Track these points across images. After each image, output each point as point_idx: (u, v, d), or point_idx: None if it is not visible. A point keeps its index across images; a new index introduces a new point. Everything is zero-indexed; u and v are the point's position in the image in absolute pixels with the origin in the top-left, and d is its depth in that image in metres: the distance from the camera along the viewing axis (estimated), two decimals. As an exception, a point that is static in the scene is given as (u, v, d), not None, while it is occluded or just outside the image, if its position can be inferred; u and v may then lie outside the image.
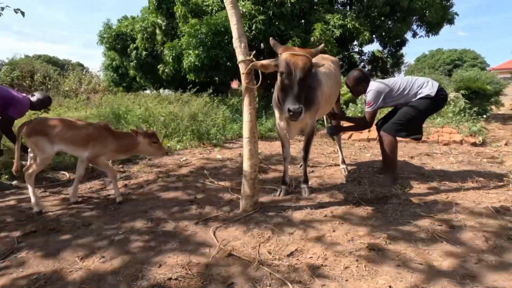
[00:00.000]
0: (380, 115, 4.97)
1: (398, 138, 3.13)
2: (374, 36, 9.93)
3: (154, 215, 2.51)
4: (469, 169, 3.75)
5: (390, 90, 3.04)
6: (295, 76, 2.19)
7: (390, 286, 1.55)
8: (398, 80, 3.11)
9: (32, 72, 11.74)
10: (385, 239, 2.02)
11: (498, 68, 25.60)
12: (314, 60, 2.37)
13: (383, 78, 12.44)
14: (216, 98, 8.86)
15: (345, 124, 3.56)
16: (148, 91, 14.57)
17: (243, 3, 7.98)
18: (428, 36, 10.48)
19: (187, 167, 4.09)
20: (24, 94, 3.38)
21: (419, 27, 10.47)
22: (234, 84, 17.03)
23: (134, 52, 13.12)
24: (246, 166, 2.49)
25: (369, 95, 3.06)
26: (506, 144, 5.24)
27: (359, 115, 7.13)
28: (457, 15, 10.01)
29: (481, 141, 5.29)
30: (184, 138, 5.63)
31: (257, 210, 2.53)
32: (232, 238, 2.10)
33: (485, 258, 1.79)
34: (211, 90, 9.04)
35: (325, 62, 3.08)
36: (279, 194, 2.94)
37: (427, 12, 8.94)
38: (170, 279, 1.64)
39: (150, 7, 11.56)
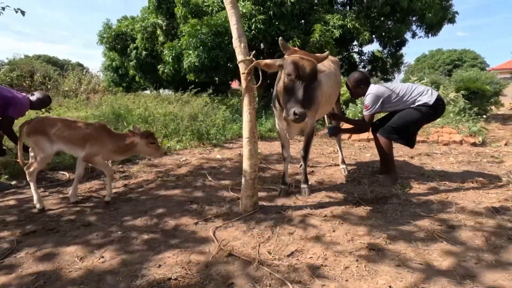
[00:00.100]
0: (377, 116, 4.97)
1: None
2: (374, 36, 9.94)
3: (153, 215, 2.51)
4: (469, 169, 3.75)
5: (389, 96, 3.04)
6: (302, 80, 2.20)
7: (390, 286, 1.55)
8: (398, 86, 3.11)
9: (32, 72, 11.73)
10: (385, 239, 2.02)
11: (497, 68, 25.61)
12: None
13: (383, 78, 12.47)
14: (216, 98, 8.86)
15: (344, 125, 3.56)
16: (148, 91, 14.56)
17: (243, 4, 7.98)
18: (428, 37, 10.49)
19: (186, 167, 4.09)
20: (24, 94, 3.38)
21: (419, 27, 10.49)
22: (234, 84, 17.03)
23: (134, 52, 13.10)
24: (246, 166, 2.48)
25: (368, 98, 3.06)
26: (506, 144, 5.24)
27: (359, 115, 7.13)
28: (457, 14, 10.01)
29: (481, 141, 5.30)
30: (183, 138, 5.63)
31: (257, 210, 2.53)
32: (232, 238, 2.10)
33: (484, 258, 1.79)
34: (211, 90, 9.03)
35: (325, 62, 3.08)
36: (279, 194, 2.94)
37: (427, 13, 8.95)
38: (169, 279, 1.64)
39: (150, 7, 11.55)
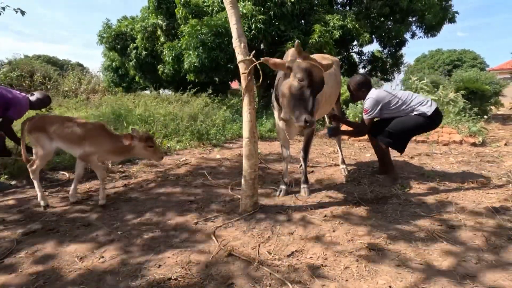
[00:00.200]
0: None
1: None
2: (373, 36, 9.95)
3: (153, 215, 2.51)
4: (469, 169, 3.75)
5: (389, 102, 3.05)
6: (313, 88, 2.22)
7: (390, 286, 1.55)
8: (399, 94, 3.12)
9: (31, 72, 11.71)
10: (385, 239, 2.02)
11: (497, 69, 25.63)
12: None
13: (383, 78, 12.47)
14: (215, 99, 8.86)
15: (343, 127, 3.57)
16: (147, 92, 14.55)
17: (243, 4, 7.99)
18: (428, 37, 10.50)
19: (186, 167, 4.08)
20: (24, 94, 3.38)
21: (418, 27, 10.50)
22: (234, 84, 17.03)
23: (134, 52, 13.10)
24: (246, 166, 2.48)
25: (367, 102, 3.06)
26: (505, 144, 5.24)
27: (360, 115, 7.14)
28: (458, 13, 10.02)
29: (481, 141, 5.30)
30: (183, 138, 5.62)
31: (257, 210, 2.53)
32: (232, 238, 2.10)
33: (485, 258, 1.79)
34: (210, 91, 9.03)
35: (326, 62, 3.08)
36: (279, 194, 2.94)
37: (427, 13, 8.97)
38: (169, 279, 1.64)
39: (150, 7, 11.56)
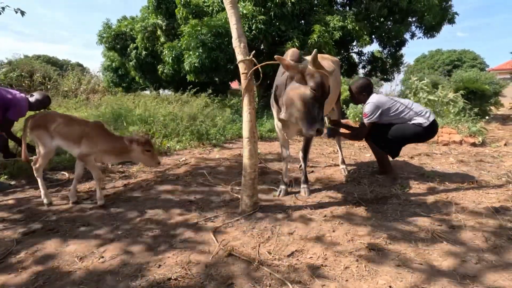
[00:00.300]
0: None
1: None
2: (373, 36, 9.95)
3: (153, 215, 2.51)
4: (469, 169, 3.75)
5: (388, 108, 3.08)
6: (324, 97, 2.27)
7: (390, 286, 1.55)
8: (399, 101, 3.14)
9: (31, 72, 11.70)
10: (385, 239, 2.02)
11: (497, 69, 25.66)
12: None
13: (382, 78, 12.46)
14: (215, 99, 8.86)
15: (342, 129, 3.59)
16: (147, 92, 14.54)
17: (244, 4, 7.99)
18: (427, 37, 10.51)
19: (186, 167, 4.08)
20: (23, 95, 3.37)
21: (418, 28, 10.51)
22: (234, 84, 17.03)
23: (134, 52, 13.10)
24: (246, 166, 2.48)
25: (368, 106, 3.08)
26: (505, 145, 5.25)
27: (360, 115, 7.14)
28: (457, 14, 10.03)
29: (481, 141, 5.30)
30: (183, 138, 5.62)
31: (256, 210, 2.52)
32: (232, 238, 2.10)
33: (485, 258, 1.79)
34: (210, 91, 9.02)
35: (326, 62, 3.09)
36: (279, 194, 2.94)
37: (426, 14, 8.98)
38: (169, 279, 1.64)
39: (150, 7, 11.56)
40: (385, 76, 12.39)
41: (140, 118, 6.03)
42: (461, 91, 8.09)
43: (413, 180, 3.31)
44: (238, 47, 2.43)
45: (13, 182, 3.36)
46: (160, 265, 1.77)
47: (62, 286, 1.60)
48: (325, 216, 2.42)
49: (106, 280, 1.65)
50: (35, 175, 2.74)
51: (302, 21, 8.74)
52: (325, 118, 4.34)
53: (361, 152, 5.01)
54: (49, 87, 11.38)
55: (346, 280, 1.61)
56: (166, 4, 10.58)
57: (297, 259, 1.82)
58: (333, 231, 2.16)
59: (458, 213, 2.41)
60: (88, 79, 13.52)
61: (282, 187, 2.98)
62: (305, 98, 2.24)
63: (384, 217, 2.38)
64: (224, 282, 1.61)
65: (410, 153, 4.66)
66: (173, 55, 9.26)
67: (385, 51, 11.52)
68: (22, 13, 3.73)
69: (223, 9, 8.17)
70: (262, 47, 9.19)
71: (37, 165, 2.72)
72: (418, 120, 3.03)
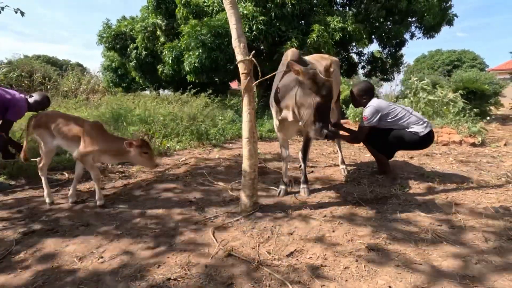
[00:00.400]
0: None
1: None
2: (373, 36, 9.96)
3: (152, 215, 2.51)
4: (468, 169, 3.75)
5: (387, 114, 3.09)
6: (330, 102, 2.34)
7: (390, 286, 1.55)
8: (399, 108, 3.16)
9: (31, 72, 11.69)
10: (385, 239, 2.01)
11: (497, 69, 25.66)
12: (313, 61, 2.46)
13: (382, 78, 12.46)
14: (215, 99, 8.87)
15: (341, 131, 3.60)
16: (147, 92, 14.54)
17: (244, 5, 7.99)
18: (427, 38, 10.52)
19: (186, 167, 4.08)
20: (22, 95, 3.36)
21: (417, 28, 10.52)
22: (234, 85, 17.03)
23: (134, 52, 13.09)
24: (245, 166, 2.48)
25: (367, 110, 3.09)
26: (505, 145, 5.25)
27: (360, 115, 7.14)
28: (456, 16, 10.05)
29: (481, 141, 5.30)
30: (183, 138, 5.62)
31: (256, 210, 2.52)
32: (232, 238, 2.10)
33: (485, 258, 1.78)
34: (210, 91, 9.02)
35: (325, 62, 3.09)
36: (279, 194, 2.94)
37: (426, 14, 8.99)
38: (169, 279, 1.64)
39: (149, 7, 11.56)
40: (385, 76, 12.39)
41: (140, 118, 6.02)
42: (460, 91, 8.09)
43: (413, 180, 3.31)
44: (237, 47, 2.43)
45: (13, 182, 3.36)
46: (159, 265, 1.77)
47: (62, 286, 1.60)
48: (324, 216, 2.42)
49: (106, 280, 1.65)
50: (40, 174, 2.79)
51: (302, 22, 8.74)
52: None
53: (361, 152, 5.01)
54: (49, 87, 11.37)
55: (346, 280, 1.61)
56: (166, 4, 10.58)
57: (297, 259, 1.82)
58: (333, 231, 2.16)
59: (458, 213, 2.41)
60: (88, 79, 13.51)
61: (282, 187, 2.98)
62: (316, 104, 2.29)
63: (384, 217, 2.38)
64: (224, 282, 1.61)
65: (410, 153, 4.66)
66: (173, 55, 9.26)
67: (385, 51, 11.54)
68: (22, 13, 3.72)
69: (223, 9, 8.16)
70: (262, 47, 9.20)
71: (41, 164, 2.79)
72: (415, 128, 3.06)
